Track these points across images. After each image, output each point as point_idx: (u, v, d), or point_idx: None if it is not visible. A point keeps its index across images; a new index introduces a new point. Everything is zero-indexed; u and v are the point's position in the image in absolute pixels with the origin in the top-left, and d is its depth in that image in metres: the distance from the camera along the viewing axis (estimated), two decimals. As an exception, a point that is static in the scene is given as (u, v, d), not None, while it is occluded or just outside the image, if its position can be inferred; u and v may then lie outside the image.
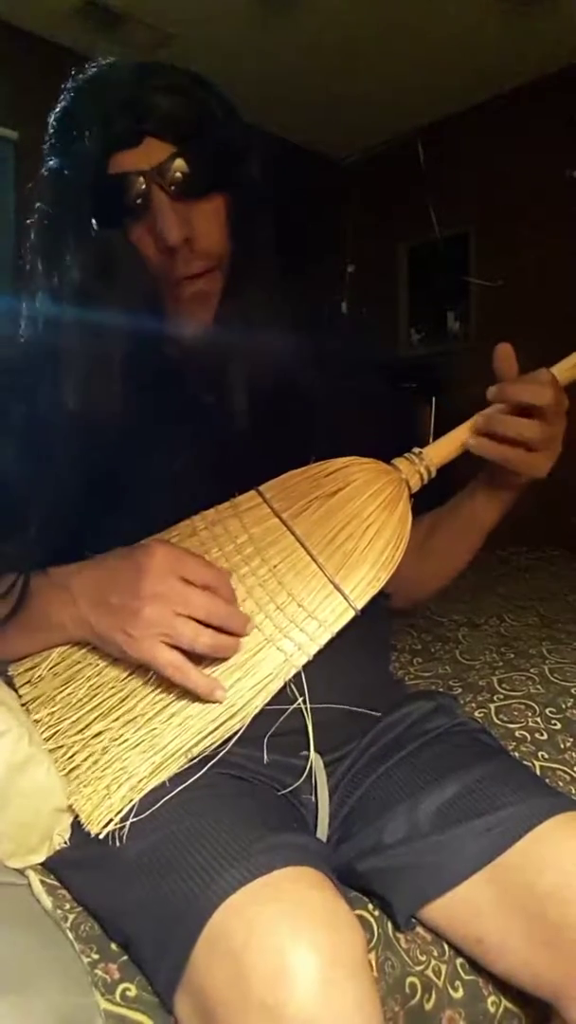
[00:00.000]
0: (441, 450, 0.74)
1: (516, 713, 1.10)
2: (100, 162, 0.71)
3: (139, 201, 0.71)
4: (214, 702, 0.63)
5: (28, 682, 0.73)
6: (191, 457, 0.74)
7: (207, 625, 0.63)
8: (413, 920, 0.69)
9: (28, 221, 0.76)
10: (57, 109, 0.75)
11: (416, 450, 0.74)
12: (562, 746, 1.02)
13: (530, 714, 1.09)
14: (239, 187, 0.75)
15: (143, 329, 0.74)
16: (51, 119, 0.75)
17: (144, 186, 0.70)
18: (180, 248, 0.71)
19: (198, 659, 0.64)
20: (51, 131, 0.75)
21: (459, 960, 0.70)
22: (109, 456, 0.72)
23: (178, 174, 0.71)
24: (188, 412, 0.78)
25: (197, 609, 0.63)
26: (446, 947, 0.70)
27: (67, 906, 0.65)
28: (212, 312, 0.76)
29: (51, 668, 0.72)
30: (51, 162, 0.74)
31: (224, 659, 0.65)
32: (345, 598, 0.66)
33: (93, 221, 0.72)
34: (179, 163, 0.71)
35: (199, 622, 0.63)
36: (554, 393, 0.69)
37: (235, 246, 0.75)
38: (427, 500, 0.77)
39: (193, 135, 0.72)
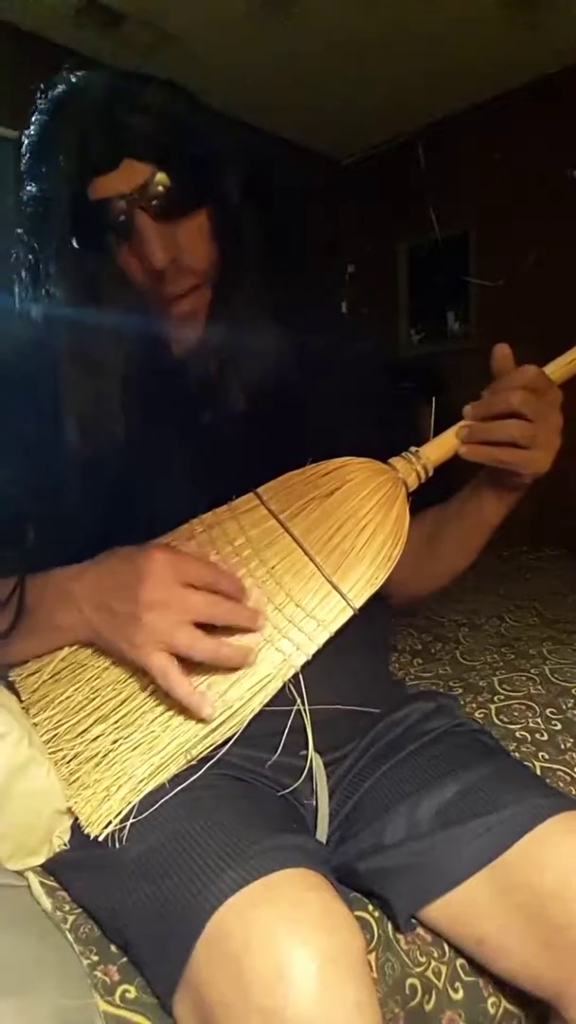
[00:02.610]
0: (438, 449, 0.73)
1: (516, 713, 1.10)
2: (80, 188, 0.70)
3: (123, 225, 0.71)
4: (200, 719, 0.63)
5: (30, 686, 0.73)
6: (188, 465, 0.74)
7: (215, 627, 0.63)
8: (413, 921, 0.69)
9: (18, 231, 0.76)
10: (31, 131, 0.74)
11: (413, 449, 0.73)
12: (563, 746, 1.02)
13: (530, 714, 1.09)
14: (222, 200, 0.75)
15: (136, 350, 0.74)
16: (25, 141, 0.75)
17: (126, 209, 0.70)
18: (167, 269, 0.71)
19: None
20: (26, 154, 0.75)
21: (459, 961, 0.70)
22: (106, 466, 0.72)
23: (160, 194, 0.70)
24: (184, 423, 0.78)
25: (199, 613, 0.62)
26: (446, 948, 0.70)
27: (67, 908, 0.65)
28: (201, 326, 0.76)
29: (52, 672, 0.72)
30: (30, 187, 0.74)
31: (237, 667, 0.64)
32: (343, 597, 0.66)
33: (78, 246, 0.72)
34: (160, 183, 0.70)
35: (207, 626, 0.62)
36: (525, 394, 0.68)
37: (221, 259, 0.75)
38: (427, 498, 0.76)
39: (171, 153, 0.71)
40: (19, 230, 0.75)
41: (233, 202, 0.76)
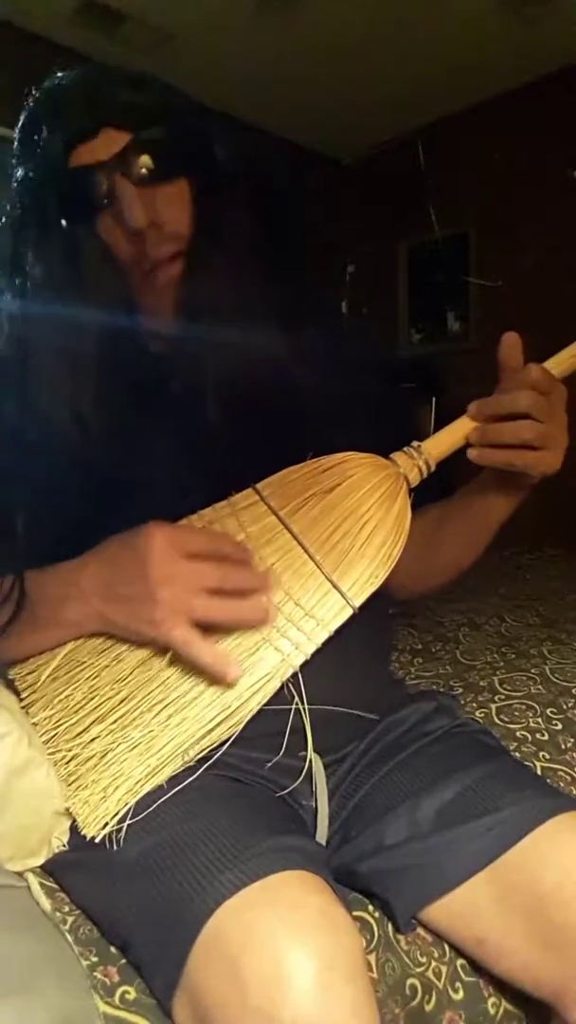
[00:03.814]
0: (440, 444, 0.72)
1: (517, 713, 1.09)
2: (62, 159, 0.72)
3: (103, 192, 0.71)
4: (227, 684, 0.63)
5: (29, 685, 0.73)
6: (177, 451, 0.74)
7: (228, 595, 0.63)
8: (414, 921, 0.68)
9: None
10: (20, 120, 0.76)
11: (415, 444, 0.72)
12: (563, 746, 1.02)
13: (531, 714, 1.09)
14: (202, 171, 0.75)
15: (117, 323, 0.74)
16: (15, 132, 0.76)
17: (106, 176, 0.71)
18: (148, 232, 0.71)
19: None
20: (16, 141, 0.76)
21: (460, 961, 0.70)
22: (94, 454, 0.72)
23: (139, 161, 0.71)
24: (169, 405, 0.77)
25: (209, 580, 0.62)
26: (447, 948, 0.69)
27: (66, 909, 0.65)
28: (175, 298, 0.76)
29: (51, 672, 0.71)
30: (18, 170, 0.75)
31: (259, 624, 0.64)
32: (343, 596, 0.66)
33: (61, 218, 0.73)
34: (139, 149, 0.71)
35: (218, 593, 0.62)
36: (536, 396, 0.67)
37: (197, 230, 0.75)
38: (428, 493, 0.76)
39: (150, 121, 0.72)
40: (6, 210, 0.76)
41: (214, 172, 0.76)
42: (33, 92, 0.76)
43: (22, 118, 0.76)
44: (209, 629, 0.63)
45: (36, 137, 0.73)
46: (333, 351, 0.82)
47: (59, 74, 0.76)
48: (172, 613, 0.61)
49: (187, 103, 0.78)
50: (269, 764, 0.70)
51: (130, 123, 0.72)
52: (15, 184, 0.75)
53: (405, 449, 0.73)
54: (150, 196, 0.72)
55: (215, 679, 0.63)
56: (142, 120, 0.72)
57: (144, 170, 0.71)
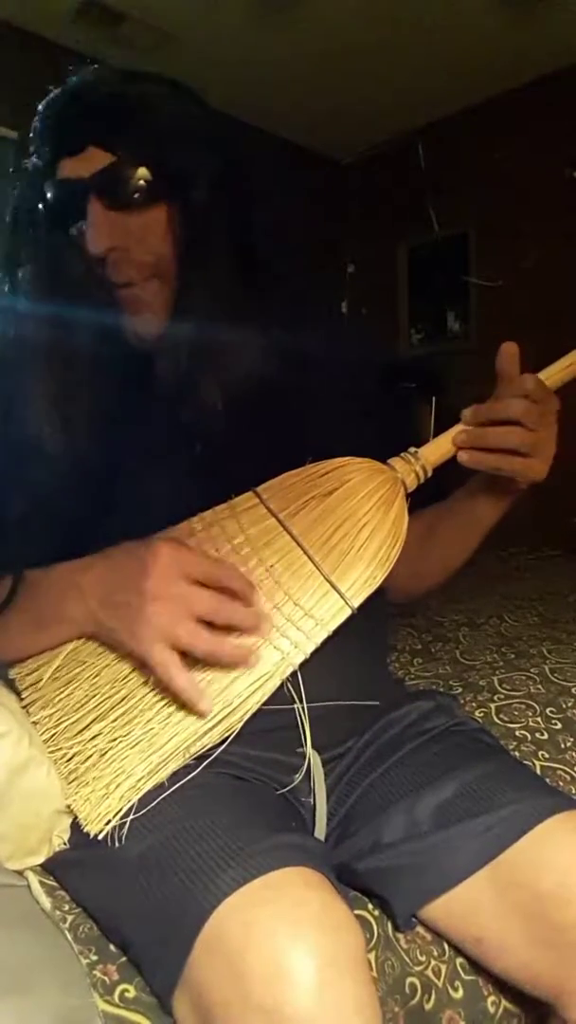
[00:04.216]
0: (437, 450, 0.74)
1: (516, 713, 1.10)
2: (50, 167, 0.73)
3: (78, 208, 0.72)
4: (197, 713, 0.63)
5: (31, 684, 0.73)
6: (177, 455, 0.74)
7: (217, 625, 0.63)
8: (413, 920, 0.68)
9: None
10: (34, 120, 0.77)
11: (412, 450, 0.74)
12: (563, 746, 1.02)
13: (530, 714, 1.09)
14: (185, 200, 0.74)
15: (99, 331, 0.75)
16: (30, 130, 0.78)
17: (81, 194, 0.72)
18: (108, 256, 0.72)
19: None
20: (28, 140, 0.78)
21: (459, 960, 0.70)
22: (93, 457, 0.72)
23: (113, 183, 0.71)
24: (160, 407, 0.77)
25: (202, 607, 0.62)
26: (446, 947, 0.70)
27: (66, 907, 0.65)
28: (161, 318, 0.76)
29: (53, 671, 0.72)
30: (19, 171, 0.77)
31: (236, 665, 0.64)
32: (341, 596, 0.66)
33: (46, 226, 0.74)
34: (116, 172, 0.72)
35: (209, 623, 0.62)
36: (528, 404, 0.68)
37: (182, 256, 0.75)
38: (423, 498, 0.77)
39: (133, 145, 0.72)
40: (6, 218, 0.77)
41: (199, 202, 0.75)
42: (48, 93, 0.76)
43: (35, 118, 0.77)
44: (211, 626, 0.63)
45: (35, 143, 0.75)
46: (332, 354, 0.83)
47: (79, 75, 0.77)
48: (155, 631, 0.62)
49: (190, 125, 0.77)
50: (267, 761, 0.70)
51: (115, 145, 0.72)
52: (15, 185, 0.76)
53: (403, 455, 0.74)
54: (120, 220, 0.72)
55: (221, 671, 0.64)
56: (127, 143, 0.72)
57: (118, 193, 0.72)
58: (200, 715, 0.63)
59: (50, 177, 0.73)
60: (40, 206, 0.74)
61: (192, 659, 0.64)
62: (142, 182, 0.72)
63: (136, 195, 0.72)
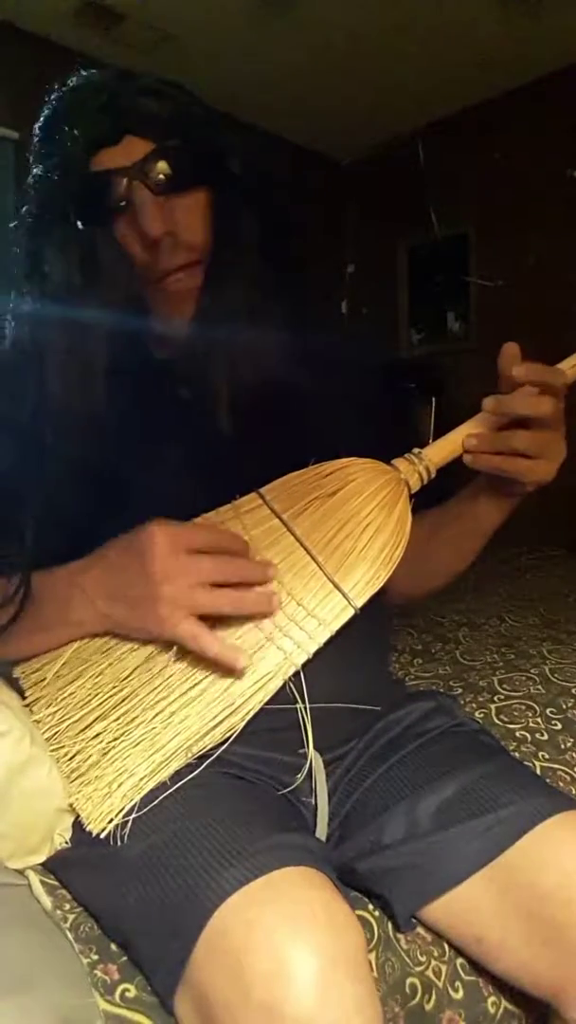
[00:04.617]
0: (441, 450, 0.73)
1: (517, 713, 1.10)
2: (83, 161, 0.72)
3: (121, 198, 0.72)
4: (236, 675, 0.64)
5: (33, 683, 0.73)
6: (184, 455, 0.74)
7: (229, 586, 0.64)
8: (413, 920, 0.68)
9: (12, 224, 0.77)
10: (41, 118, 0.76)
11: (416, 450, 0.74)
12: (563, 746, 1.02)
13: (531, 714, 1.09)
14: (221, 183, 0.76)
15: (128, 327, 0.75)
16: (36, 128, 0.77)
17: (126, 183, 0.71)
18: (162, 241, 0.72)
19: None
20: (36, 138, 0.77)
21: (459, 960, 0.70)
22: (99, 456, 0.72)
23: (158, 169, 0.72)
24: (176, 410, 0.78)
25: (210, 574, 0.63)
26: (446, 947, 0.70)
27: (67, 907, 0.65)
28: (193, 307, 0.76)
29: (56, 670, 0.72)
30: (36, 169, 0.76)
31: (264, 615, 0.65)
32: (344, 596, 0.66)
33: (78, 220, 0.73)
34: (159, 159, 0.72)
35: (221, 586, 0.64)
36: (555, 403, 0.67)
37: (217, 240, 0.76)
38: (426, 499, 0.76)
39: (172, 132, 0.73)
40: (21, 212, 0.76)
41: (232, 187, 0.77)
42: (56, 91, 0.76)
43: (43, 116, 0.76)
44: (213, 626, 0.64)
45: (58, 137, 0.74)
46: (334, 355, 0.83)
47: (83, 74, 0.77)
48: (176, 608, 0.63)
49: (208, 113, 0.78)
50: (269, 761, 0.70)
51: (153, 132, 0.72)
52: (32, 182, 0.76)
53: (407, 455, 0.74)
54: (167, 205, 0.73)
55: (223, 671, 0.64)
56: (164, 130, 0.73)
57: (163, 178, 0.72)
58: (238, 676, 0.64)
59: (84, 170, 0.72)
60: (70, 200, 0.73)
61: (196, 658, 0.64)
62: (184, 165, 0.73)
63: (181, 179, 0.73)
